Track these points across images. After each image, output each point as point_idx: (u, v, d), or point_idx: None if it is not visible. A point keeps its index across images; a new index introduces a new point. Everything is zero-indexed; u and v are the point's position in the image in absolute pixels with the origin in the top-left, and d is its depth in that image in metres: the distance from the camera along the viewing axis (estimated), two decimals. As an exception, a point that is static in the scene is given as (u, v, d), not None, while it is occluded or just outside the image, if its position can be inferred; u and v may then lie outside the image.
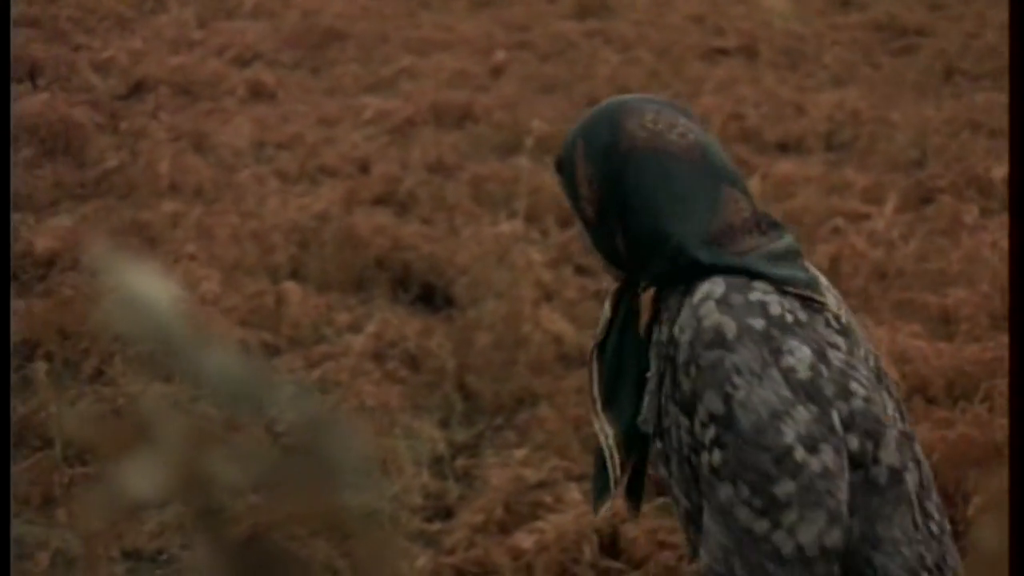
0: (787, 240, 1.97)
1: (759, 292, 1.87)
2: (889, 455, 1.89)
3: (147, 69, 10.08)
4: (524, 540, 4.42)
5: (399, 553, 4.26)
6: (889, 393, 1.98)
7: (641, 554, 4.40)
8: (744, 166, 6.83)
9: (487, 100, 9.26)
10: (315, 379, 5.47)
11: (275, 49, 10.64)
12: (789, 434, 1.79)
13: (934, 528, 1.95)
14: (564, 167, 2.08)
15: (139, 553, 4.52)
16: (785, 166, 7.84)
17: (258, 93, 9.76)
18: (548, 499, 4.68)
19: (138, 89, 9.86)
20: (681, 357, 1.84)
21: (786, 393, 1.80)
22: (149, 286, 0.87)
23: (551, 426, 5.13)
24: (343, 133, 8.60)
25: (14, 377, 5.57)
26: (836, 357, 1.88)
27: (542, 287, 6.21)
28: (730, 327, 1.82)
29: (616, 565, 4.41)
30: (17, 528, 4.51)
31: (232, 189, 7.69)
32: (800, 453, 1.79)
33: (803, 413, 1.80)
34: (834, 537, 1.79)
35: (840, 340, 1.90)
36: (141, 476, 0.89)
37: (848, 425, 1.85)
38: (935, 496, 2.01)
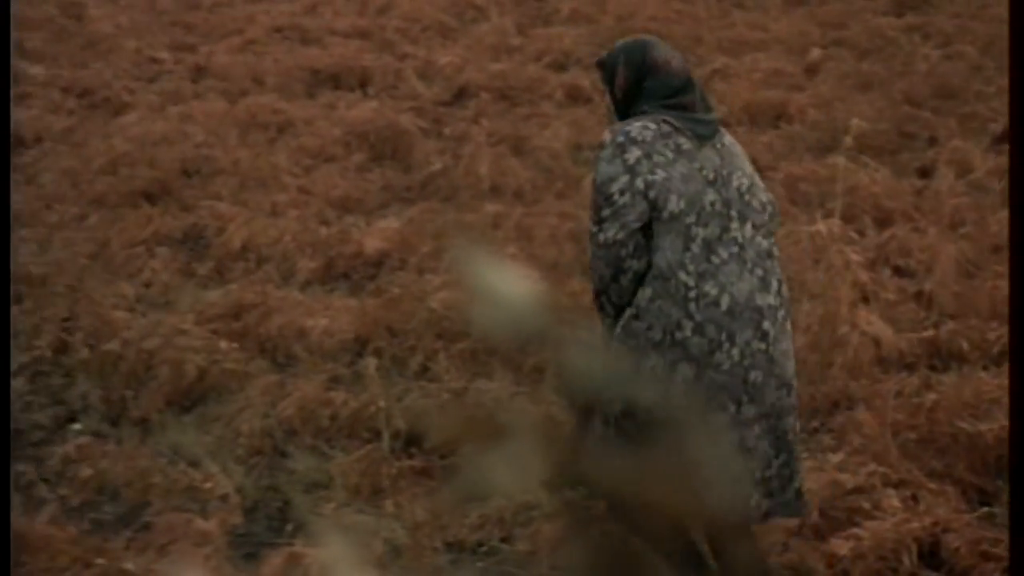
0: (710, 115, 3.70)
1: (638, 124, 3.59)
2: (671, 206, 3.50)
3: (469, 76, 10.41)
4: (840, 546, 4.35)
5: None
6: (716, 189, 3.57)
7: (963, 565, 4.29)
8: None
9: (802, 99, 9.16)
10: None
11: (591, 53, 10.81)
12: (614, 187, 3.51)
13: (714, 259, 3.52)
14: (607, 67, 3.78)
15: (461, 544, 4.69)
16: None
17: (575, 97, 9.95)
18: (865, 505, 4.59)
19: (461, 95, 10.21)
20: None
21: (619, 169, 3.52)
22: (510, 284, 0.94)
23: (869, 430, 5.04)
24: (658, 135, 8.66)
25: (347, 372, 5.88)
26: (660, 156, 3.53)
27: (859, 288, 6.11)
28: (605, 139, 3.62)
29: (935, 576, 4.32)
30: (349, 517, 4.77)
31: (550, 191, 7.87)
32: (616, 196, 3.51)
33: (623, 179, 3.51)
34: (621, 235, 3.48)
35: (669, 151, 3.55)
36: (492, 469, 0.97)
37: (648, 186, 3.50)
38: (744, 261, 3.56)
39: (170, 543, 4.47)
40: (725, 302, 3.48)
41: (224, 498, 4.84)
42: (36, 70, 12.60)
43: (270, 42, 12.93)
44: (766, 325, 3.55)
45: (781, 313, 3.61)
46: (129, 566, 4.43)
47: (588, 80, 10.03)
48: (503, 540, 4.67)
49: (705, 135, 3.61)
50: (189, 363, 5.85)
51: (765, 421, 3.56)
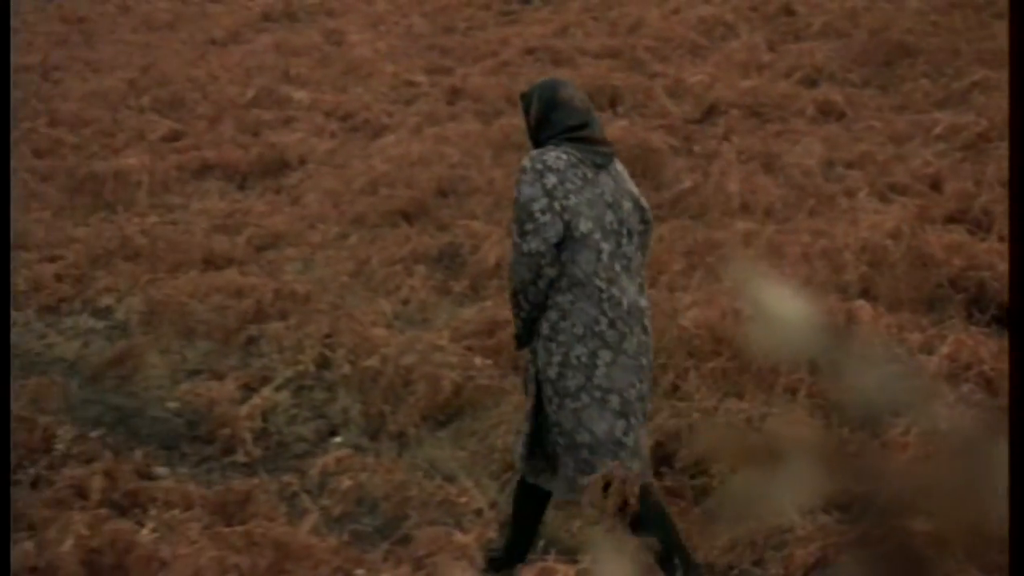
0: (606, 148, 4.43)
1: (553, 154, 4.31)
2: (582, 227, 4.25)
3: (719, 93, 10.37)
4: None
5: None
6: (613, 210, 4.33)
7: None
8: None
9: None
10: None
11: (844, 68, 10.63)
12: (535, 206, 4.21)
13: (616, 268, 4.30)
14: (526, 99, 4.55)
15: (711, 567, 4.67)
16: None
17: (827, 112, 9.79)
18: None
19: (710, 113, 10.17)
20: None
21: (539, 191, 4.22)
22: (791, 304, 0.95)
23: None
24: (913, 150, 8.47)
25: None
26: (571, 183, 4.26)
27: None
28: (526, 165, 4.30)
29: None
30: (598, 534, 4.80)
31: (802, 208, 7.77)
32: (538, 215, 4.20)
33: (543, 200, 4.22)
34: (542, 247, 4.19)
35: (578, 179, 4.28)
36: (746, 490, 0.98)
37: (564, 209, 4.22)
38: (631, 271, 4.36)
39: (428, 555, 4.59)
40: (625, 303, 4.33)
41: (479, 512, 4.94)
42: (300, 95, 13.13)
43: (523, 63, 13.15)
44: (645, 322, 4.42)
45: (649, 314, 4.47)
46: (388, 577, 4.60)
47: (841, 95, 9.86)
48: (755, 564, 4.64)
49: (602, 164, 4.40)
50: (445, 379, 6.00)
51: (644, 400, 4.46)
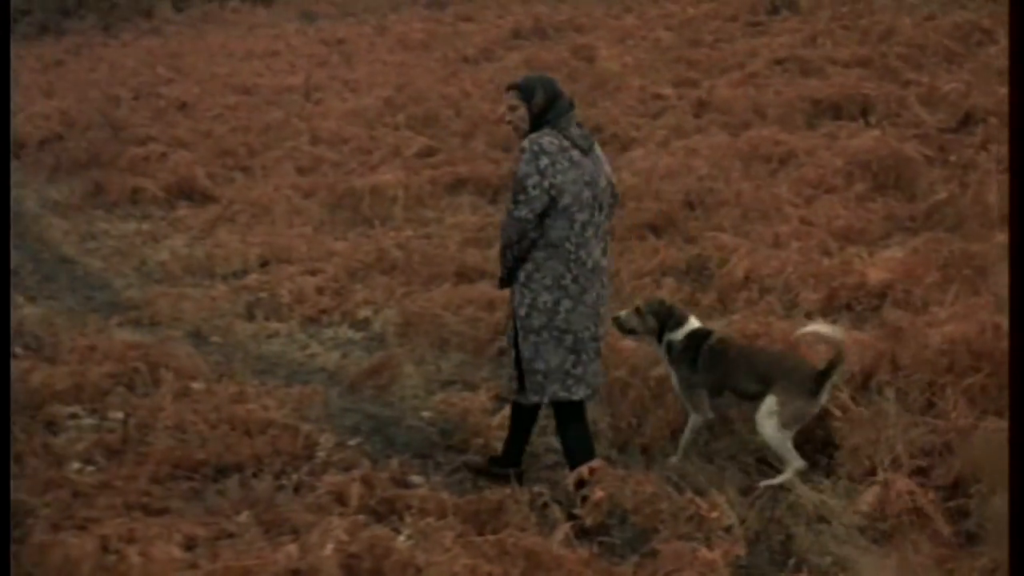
0: (582, 130, 5.35)
1: (547, 139, 5.21)
2: (564, 201, 5.18)
3: (975, 101, 10.06)
4: None
5: None
6: (590, 187, 5.27)
7: None
8: None
9: None
10: None
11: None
12: (529, 182, 5.14)
13: (585, 235, 5.25)
14: (526, 89, 5.33)
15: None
16: None
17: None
18: None
19: (966, 121, 9.87)
20: None
21: (533, 170, 5.13)
22: None
23: None
24: None
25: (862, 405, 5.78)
26: (560, 164, 5.17)
27: None
28: (525, 146, 5.21)
29: None
30: (851, 553, 4.72)
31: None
32: (530, 189, 5.13)
33: (535, 177, 5.14)
34: (530, 216, 5.15)
35: (566, 161, 5.19)
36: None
37: (552, 186, 5.14)
38: (598, 236, 5.33)
39: (675, 571, 4.60)
40: (589, 263, 5.33)
41: (728, 529, 4.92)
42: (549, 110, 13.29)
43: (771, 74, 13.01)
44: (604, 279, 5.44)
45: (609, 271, 5.52)
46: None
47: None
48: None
49: (585, 148, 5.35)
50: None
51: (598, 340, 5.43)
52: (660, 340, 5.88)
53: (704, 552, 4.65)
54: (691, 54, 14.85)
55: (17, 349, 7.37)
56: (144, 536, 4.81)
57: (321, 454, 6.02)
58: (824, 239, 8.12)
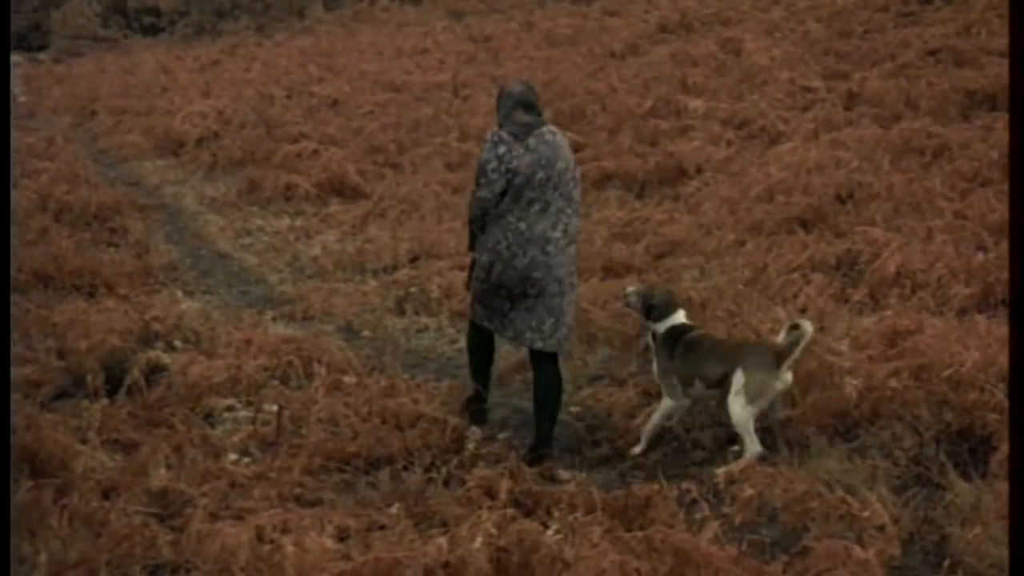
0: (544, 126, 6.27)
1: (506, 131, 6.21)
2: (517, 181, 6.09)
3: None
4: None
5: None
6: (544, 169, 6.12)
7: None
8: None
9: None
10: None
11: None
12: (489, 167, 6.14)
13: (532, 210, 6.14)
14: (500, 99, 6.44)
15: None
16: None
17: None
18: None
19: None
20: None
21: (492, 156, 6.14)
22: None
23: None
24: None
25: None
26: (514, 153, 6.12)
27: None
28: (488, 138, 6.27)
29: None
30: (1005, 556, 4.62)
31: None
32: (490, 173, 6.13)
33: (494, 163, 6.12)
34: (490, 196, 6.14)
35: (520, 149, 6.13)
36: None
37: (508, 170, 6.10)
38: (547, 212, 6.18)
39: (827, 570, 4.54)
40: (527, 234, 6.12)
41: (881, 528, 4.84)
42: (697, 104, 13.23)
43: (923, 65, 12.77)
44: (549, 248, 6.13)
45: (563, 242, 6.19)
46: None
47: None
48: None
49: (537, 136, 6.16)
50: (848, 388, 5.91)
51: (541, 298, 6.17)
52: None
53: (858, 551, 4.58)
54: (841, 46, 14.65)
55: (177, 343, 7.61)
56: (298, 527, 4.93)
57: (470, 447, 6.09)
58: (978, 233, 7.94)
